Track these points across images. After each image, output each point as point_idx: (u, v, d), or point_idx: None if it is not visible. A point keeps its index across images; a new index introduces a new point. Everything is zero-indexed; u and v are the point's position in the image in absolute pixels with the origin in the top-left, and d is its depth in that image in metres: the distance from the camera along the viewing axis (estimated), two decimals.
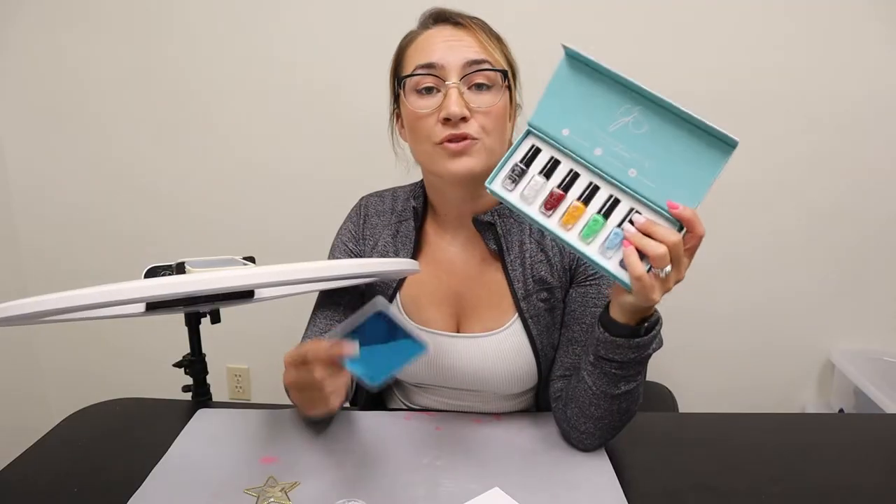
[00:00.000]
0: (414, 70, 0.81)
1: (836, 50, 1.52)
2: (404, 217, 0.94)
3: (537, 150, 0.69)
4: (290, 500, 0.71)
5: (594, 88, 0.64)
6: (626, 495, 0.71)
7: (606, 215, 0.65)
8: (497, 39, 0.85)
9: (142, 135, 1.76)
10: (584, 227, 0.66)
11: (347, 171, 1.68)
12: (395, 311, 0.61)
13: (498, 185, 0.69)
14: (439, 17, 0.85)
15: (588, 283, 0.87)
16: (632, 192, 0.64)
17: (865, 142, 1.57)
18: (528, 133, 0.69)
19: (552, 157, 0.68)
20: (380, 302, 0.62)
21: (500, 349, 0.87)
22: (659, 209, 0.63)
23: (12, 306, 0.61)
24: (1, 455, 0.84)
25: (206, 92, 1.71)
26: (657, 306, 0.70)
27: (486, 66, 0.80)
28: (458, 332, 0.90)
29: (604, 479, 0.75)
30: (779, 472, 0.78)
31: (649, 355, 0.73)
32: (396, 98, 0.88)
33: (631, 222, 0.63)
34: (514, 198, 0.68)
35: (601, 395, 0.75)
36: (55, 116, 1.77)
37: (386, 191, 1.00)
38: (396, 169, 0.98)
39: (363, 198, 1.00)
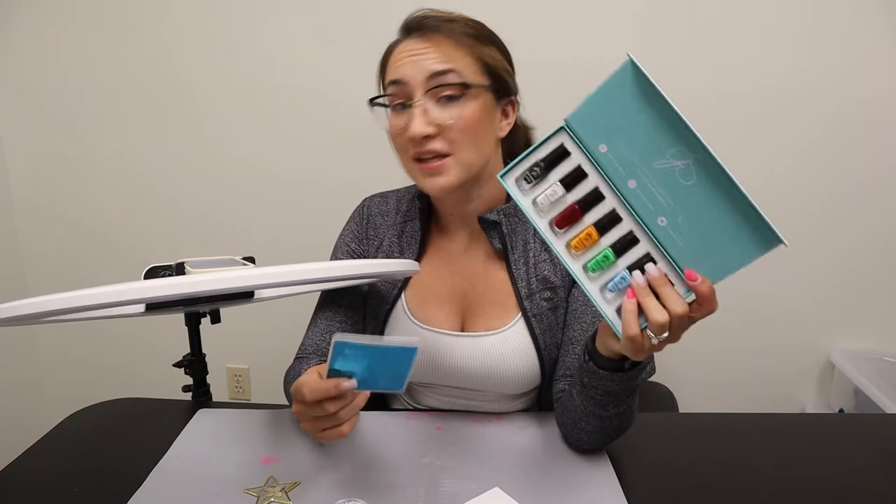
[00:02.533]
0: (386, 88, 0.82)
1: (840, 50, 1.52)
2: (409, 217, 0.95)
3: (565, 153, 0.60)
4: (290, 500, 0.71)
5: (649, 114, 0.54)
6: (626, 495, 0.71)
7: (619, 252, 0.59)
8: (471, 44, 0.81)
9: (143, 136, 1.76)
10: (591, 260, 0.60)
11: (350, 172, 1.68)
12: (352, 336, 0.60)
13: (511, 180, 0.61)
14: (410, 28, 0.84)
15: None
16: (653, 239, 0.58)
17: (865, 143, 1.57)
18: (560, 129, 0.59)
19: (579, 167, 0.59)
20: (336, 335, 0.59)
21: (504, 348, 0.87)
22: (677, 267, 0.58)
23: (13, 306, 0.61)
24: (1, 455, 0.84)
25: (206, 92, 1.71)
26: None
27: (450, 76, 0.79)
28: (462, 330, 0.90)
29: (604, 479, 0.75)
30: (779, 472, 0.78)
31: (637, 385, 0.72)
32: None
33: (642, 270, 0.58)
34: (525, 202, 0.61)
35: (590, 414, 0.75)
36: (56, 117, 1.77)
37: (389, 192, 1.00)
38: (398, 170, 0.98)
39: (366, 199, 1.01)
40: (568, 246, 0.60)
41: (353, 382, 0.62)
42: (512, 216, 0.89)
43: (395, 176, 1.01)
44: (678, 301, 0.57)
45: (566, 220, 0.60)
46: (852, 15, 1.49)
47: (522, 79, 0.89)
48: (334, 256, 0.98)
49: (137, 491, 0.73)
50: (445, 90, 0.79)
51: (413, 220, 0.94)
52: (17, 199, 1.85)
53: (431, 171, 0.81)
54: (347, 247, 0.97)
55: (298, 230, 1.76)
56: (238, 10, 1.63)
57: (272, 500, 0.71)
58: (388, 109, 0.83)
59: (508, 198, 0.91)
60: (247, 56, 1.66)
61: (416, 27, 0.83)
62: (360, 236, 0.97)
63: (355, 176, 1.50)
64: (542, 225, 0.61)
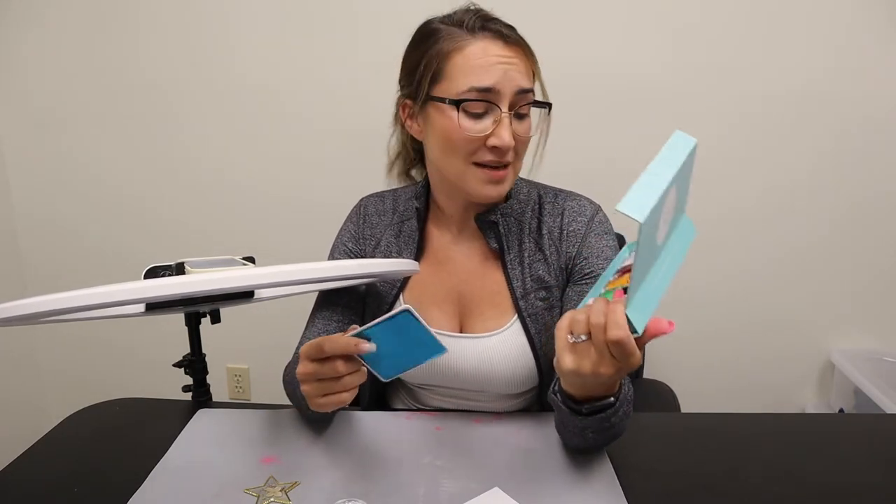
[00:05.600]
0: (468, 91, 0.78)
1: (835, 60, 1.52)
2: (407, 217, 0.95)
3: None
4: (290, 500, 0.71)
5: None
6: (625, 495, 0.71)
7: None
8: (534, 60, 0.83)
9: (142, 137, 1.76)
10: (608, 291, 0.66)
11: (348, 172, 1.68)
12: (421, 315, 0.63)
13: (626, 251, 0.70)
14: (486, 26, 0.80)
15: (584, 282, 0.87)
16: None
17: (865, 147, 1.57)
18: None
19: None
20: (408, 305, 0.63)
21: (501, 349, 0.87)
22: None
23: (12, 306, 0.61)
24: (1, 455, 0.84)
25: (204, 94, 1.71)
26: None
27: (531, 95, 0.81)
28: (460, 331, 0.90)
29: (604, 479, 0.75)
30: (779, 472, 0.78)
31: (606, 429, 0.71)
32: (422, 97, 0.82)
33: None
34: (615, 262, 0.68)
35: (570, 431, 0.75)
36: (55, 118, 1.77)
37: (386, 191, 1.00)
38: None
39: (363, 198, 1.01)
40: (607, 285, 0.66)
41: (372, 346, 0.64)
42: (508, 216, 0.89)
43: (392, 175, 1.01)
44: (598, 314, 0.57)
45: (623, 270, 0.66)
46: (882, 19, 1.49)
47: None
48: (332, 256, 0.98)
49: (137, 491, 0.73)
50: (525, 108, 0.81)
51: (410, 220, 0.94)
52: (16, 201, 1.85)
53: (498, 178, 0.81)
54: (345, 246, 0.97)
55: (297, 230, 1.76)
56: (239, 12, 1.63)
57: (272, 500, 0.71)
58: (453, 108, 0.78)
59: (506, 198, 0.91)
60: (245, 57, 1.66)
61: (494, 29, 0.80)
62: (357, 236, 0.97)
63: (353, 176, 1.50)
64: (609, 275, 0.67)
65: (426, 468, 0.77)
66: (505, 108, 0.78)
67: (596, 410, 0.68)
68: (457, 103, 0.78)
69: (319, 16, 1.62)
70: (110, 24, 1.68)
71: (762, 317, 1.71)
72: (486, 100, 0.78)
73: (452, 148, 0.81)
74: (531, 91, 0.81)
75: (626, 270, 0.66)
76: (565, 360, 0.60)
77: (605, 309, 0.56)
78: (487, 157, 0.80)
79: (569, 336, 0.59)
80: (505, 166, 0.81)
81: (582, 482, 0.74)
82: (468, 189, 0.83)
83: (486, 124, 0.79)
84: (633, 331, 0.55)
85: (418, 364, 0.67)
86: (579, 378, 0.61)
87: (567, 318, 0.60)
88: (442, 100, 0.80)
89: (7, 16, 1.69)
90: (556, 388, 0.72)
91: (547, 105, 0.84)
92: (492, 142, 0.79)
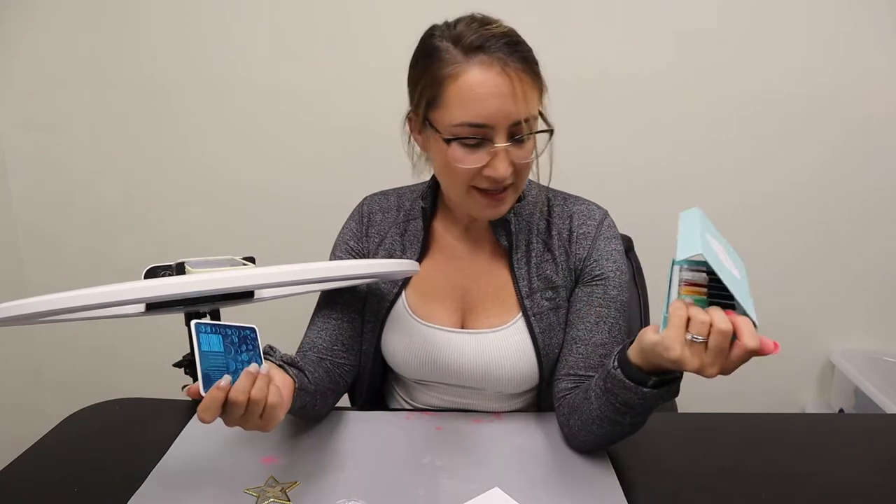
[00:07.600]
0: (461, 125, 0.76)
1: (840, 62, 1.52)
2: (412, 216, 0.95)
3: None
4: (290, 500, 0.71)
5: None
6: (626, 495, 0.71)
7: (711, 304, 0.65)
8: (538, 77, 0.79)
9: (142, 137, 1.76)
10: (695, 299, 0.65)
11: (350, 172, 1.68)
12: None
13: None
14: (483, 46, 0.75)
15: (594, 283, 0.87)
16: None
17: (866, 148, 1.57)
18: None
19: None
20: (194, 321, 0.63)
21: (503, 346, 0.87)
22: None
23: (12, 306, 0.61)
24: (1, 455, 0.84)
25: (206, 95, 1.70)
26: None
27: (531, 122, 0.78)
28: (462, 328, 0.90)
29: (604, 479, 0.75)
30: (779, 472, 0.78)
31: (656, 405, 0.72)
32: (421, 118, 0.82)
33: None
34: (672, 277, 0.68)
35: (605, 418, 0.75)
36: (55, 119, 1.77)
37: (390, 190, 1.00)
38: (400, 169, 0.98)
39: (366, 197, 1.01)
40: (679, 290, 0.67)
41: (227, 378, 0.63)
42: (519, 215, 0.90)
43: (394, 175, 1.01)
44: (723, 320, 0.61)
45: (688, 284, 0.67)
46: (887, 20, 1.49)
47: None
48: (333, 255, 0.98)
49: (137, 491, 0.73)
50: (523, 134, 0.78)
51: (416, 219, 0.94)
52: (16, 201, 1.85)
53: (496, 203, 0.82)
54: (346, 245, 0.97)
55: (297, 230, 1.76)
56: (238, 12, 1.63)
57: (272, 499, 0.71)
58: (451, 142, 0.77)
59: (519, 198, 0.90)
60: (247, 58, 1.66)
61: (494, 53, 0.75)
62: (359, 234, 0.97)
63: (353, 176, 1.50)
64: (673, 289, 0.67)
65: (426, 468, 0.77)
66: (501, 142, 0.76)
67: (661, 383, 0.69)
68: (449, 141, 0.77)
69: (320, 16, 1.61)
70: (110, 24, 1.68)
71: (762, 317, 1.70)
72: (479, 136, 0.76)
73: (451, 176, 0.82)
74: (529, 119, 0.77)
75: (690, 283, 0.66)
76: (675, 350, 0.61)
77: (730, 318, 0.60)
78: (485, 184, 0.80)
79: (687, 334, 0.61)
80: (504, 189, 0.81)
81: (582, 482, 0.74)
82: (469, 211, 0.85)
83: (481, 156, 0.77)
84: None
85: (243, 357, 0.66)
86: (674, 367, 0.63)
87: (682, 310, 0.61)
88: (438, 131, 0.79)
89: (6, 16, 1.69)
90: (615, 364, 0.71)
91: (548, 132, 0.81)
92: (487, 173, 0.78)
